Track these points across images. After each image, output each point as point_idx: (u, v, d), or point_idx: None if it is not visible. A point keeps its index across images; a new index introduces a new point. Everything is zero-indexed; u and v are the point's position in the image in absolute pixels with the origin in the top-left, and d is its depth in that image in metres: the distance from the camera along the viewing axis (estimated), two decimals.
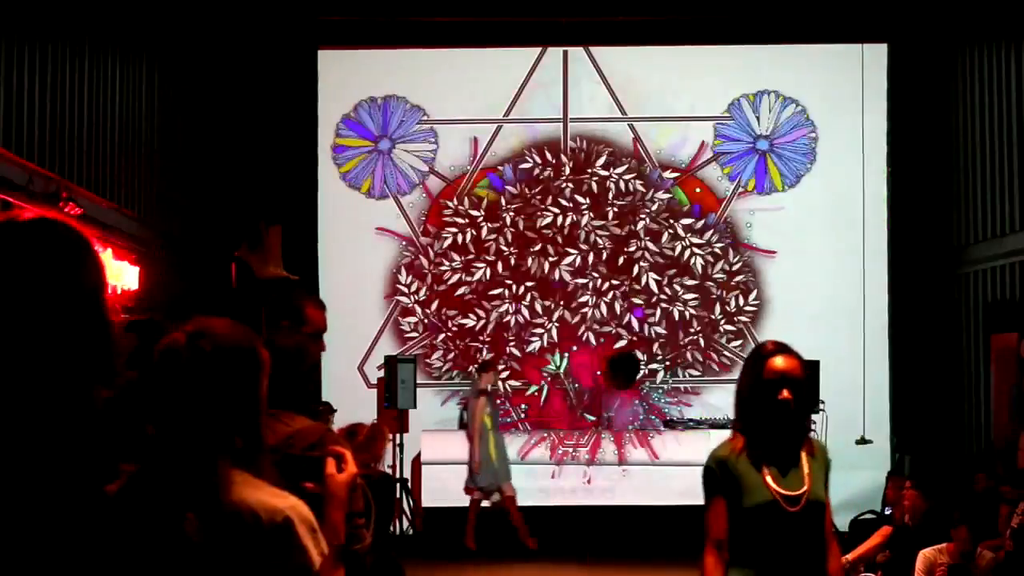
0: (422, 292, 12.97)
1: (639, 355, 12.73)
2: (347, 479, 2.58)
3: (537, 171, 13.07)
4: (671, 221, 13.05)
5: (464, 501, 11.76)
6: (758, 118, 13.12)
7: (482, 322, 12.94)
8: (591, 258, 12.99)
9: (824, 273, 12.89)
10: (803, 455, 3.88)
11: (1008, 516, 8.10)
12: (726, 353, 12.95)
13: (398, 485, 11.47)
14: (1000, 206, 11.56)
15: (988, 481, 9.66)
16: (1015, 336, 10.75)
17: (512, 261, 12.96)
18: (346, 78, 13.09)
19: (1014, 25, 11.28)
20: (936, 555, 7.74)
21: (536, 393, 12.93)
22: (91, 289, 2.17)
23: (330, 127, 13.11)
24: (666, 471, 11.47)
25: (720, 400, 12.52)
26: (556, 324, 12.94)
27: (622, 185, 13.05)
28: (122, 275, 8.99)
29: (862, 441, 12.41)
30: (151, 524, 2.12)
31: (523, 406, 12.92)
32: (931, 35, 12.76)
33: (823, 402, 11.75)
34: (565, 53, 13.14)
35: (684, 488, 11.25)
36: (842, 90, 13.03)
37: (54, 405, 2.06)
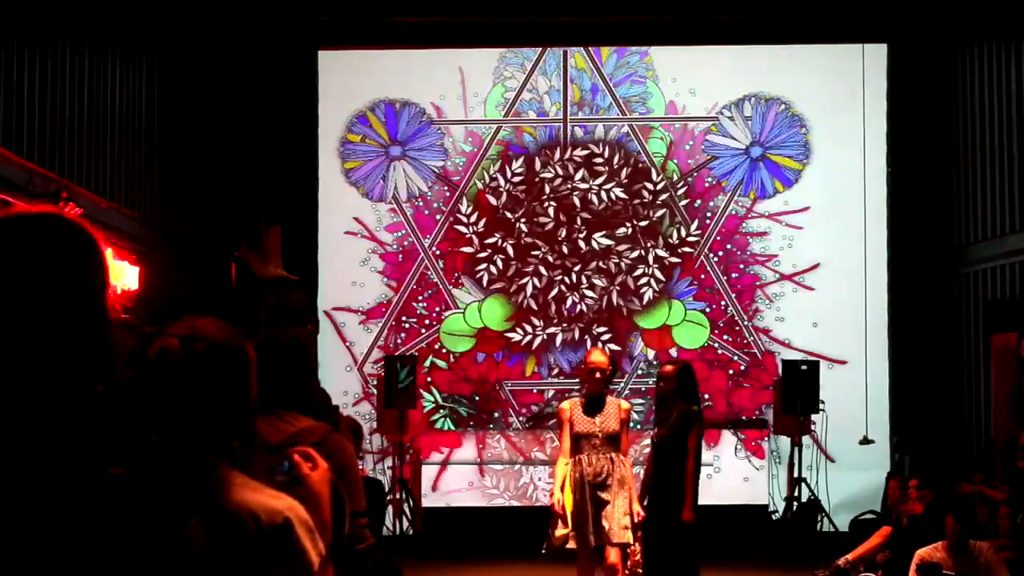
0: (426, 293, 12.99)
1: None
2: (323, 475, 2.58)
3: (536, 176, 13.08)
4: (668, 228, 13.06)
5: (463, 501, 11.77)
6: (754, 120, 13.10)
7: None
8: (591, 263, 13.00)
9: (824, 273, 12.89)
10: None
11: (1009, 516, 8.10)
12: (724, 352, 12.95)
13: (398, 486, 11.49)
14: (1000, 206, 11.56)
15: (977, 483, 9.66)
16: (1015, 336, 10.75)
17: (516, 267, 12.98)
18: (348, 78, 13.09)
19: (1014, 25, 11.28)
20: (932, 552, 7.75)
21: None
22: (95, 287, 2.17)
23: (332, 128, 13.09)
24: None
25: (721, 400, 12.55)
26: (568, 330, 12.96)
27: (612, 195, 13.06)
28: (122, 275, 8.99)
29: (865, 441, 12.42)
30: (149, 528, 2.11)
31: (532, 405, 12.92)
32: (931, 35, 12.76)
33: (823, 402, 11.75)
34: (565, 53, 13.14)
35: None
36: (842, 90, 13.02)
37: (52, 401, 2.06)
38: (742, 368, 12.82)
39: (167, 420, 2.19)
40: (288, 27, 12.73)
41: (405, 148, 13.08)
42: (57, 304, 2.09)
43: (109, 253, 8.11)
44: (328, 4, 12.77)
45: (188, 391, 2.19)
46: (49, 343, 2.07)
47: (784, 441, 12.00)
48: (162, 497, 2.14)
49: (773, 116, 13.11)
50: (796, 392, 11.53)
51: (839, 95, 13.03)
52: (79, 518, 2.07)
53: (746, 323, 12.90)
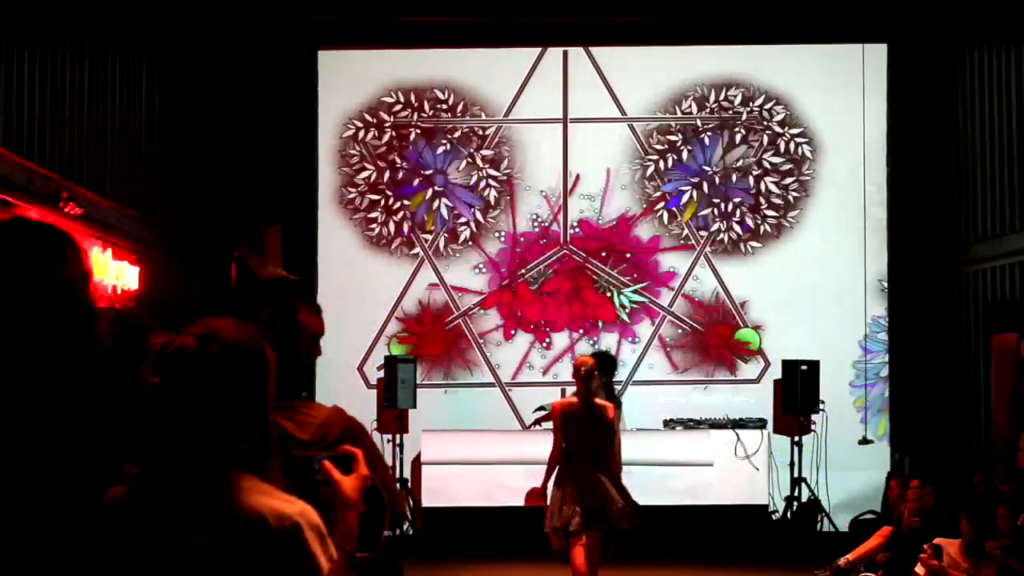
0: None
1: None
2: (356, 481, 2.57)
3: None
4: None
5: (463, 501, 11.73)
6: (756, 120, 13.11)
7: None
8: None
9: (824, 273, 12.88)
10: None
11: (1011, 516, 8.10)
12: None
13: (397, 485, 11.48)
14: (1001, 206, 11.55)
15: (983, 484, 9.66)
16: (1015, 336, 10.75)
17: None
18: (348, 78, 13.09)
19: (1014, 25, 11.28)
20: (945, 546, 7.75)
21: None
22: (70, 287, 2.16)
23: (332, 128, 13.09)
24: (666, 471, 11.43)
25: (722, 400, 12.56)
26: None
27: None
28: (122, 275, 8.99)
29: (864, 441, 12.41)
30: (158, 529, 2.11)
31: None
32: (931, 35, 12.75)
33: (823, 402, 11.75)
34: (565, 53, 13.13)
35: (684, 488, 11.25)
36: (842, 90, 13.02)
37: (37, 405, 2.06)
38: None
39: (180, 419, 2.17)
40: (288, 27, 12.72)
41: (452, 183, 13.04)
42: (34, 306, 2.09)
43: (109, 253, 8.03)
44: (328, 4, 12.77)
45: (202, 391, 2.18)
46: (28, 346, 2.07)
47: (784, 441, 11.99)
48: (170, 497, 2.13)
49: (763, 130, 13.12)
50: (796, 392, 11.53)
51: (839, 95, 13.02)
52: (81, 516, 2.07)
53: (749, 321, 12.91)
